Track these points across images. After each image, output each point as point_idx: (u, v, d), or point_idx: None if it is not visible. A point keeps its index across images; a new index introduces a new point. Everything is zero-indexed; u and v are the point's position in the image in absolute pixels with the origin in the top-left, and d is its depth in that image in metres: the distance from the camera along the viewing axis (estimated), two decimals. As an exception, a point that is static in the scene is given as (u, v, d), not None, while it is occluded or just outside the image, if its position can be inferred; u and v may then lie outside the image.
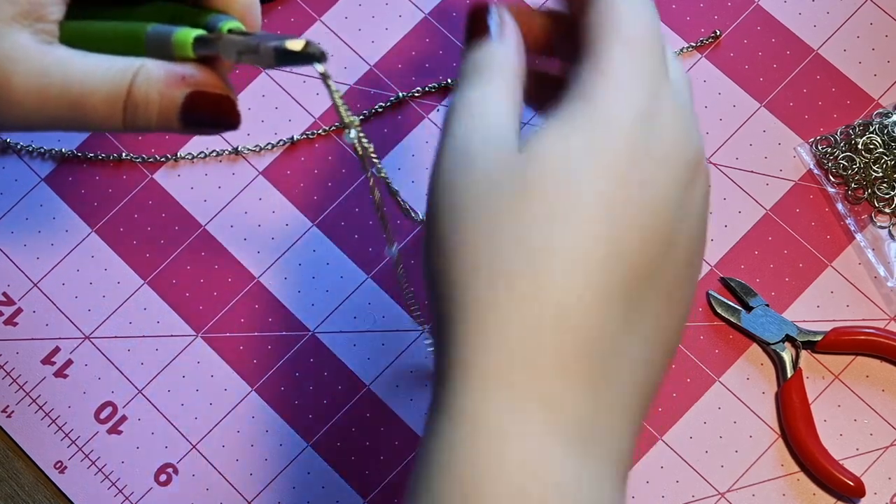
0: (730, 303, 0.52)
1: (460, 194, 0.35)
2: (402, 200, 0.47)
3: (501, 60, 0.37)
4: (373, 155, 0.42)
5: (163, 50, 0.39)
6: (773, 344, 0.52)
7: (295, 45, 0.37)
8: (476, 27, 0.39)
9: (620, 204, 0.34)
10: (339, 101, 0.39)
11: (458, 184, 0.35)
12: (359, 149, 0.40)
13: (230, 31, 0.39)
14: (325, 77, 0.38)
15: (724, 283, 0.53)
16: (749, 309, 0.52)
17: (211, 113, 0.39)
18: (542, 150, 0.34)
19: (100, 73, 0.38)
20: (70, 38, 0.39)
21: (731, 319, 0.52)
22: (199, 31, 0.39)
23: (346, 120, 0.39)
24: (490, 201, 0.34)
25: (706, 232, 0.37)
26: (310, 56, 0.37)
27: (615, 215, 0.34)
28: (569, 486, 0.33)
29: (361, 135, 0.40)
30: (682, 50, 0.55)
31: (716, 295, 0.52)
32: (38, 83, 0.38)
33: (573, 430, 0.33)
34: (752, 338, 0.52)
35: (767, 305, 0.52)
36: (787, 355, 0.51)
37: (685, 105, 0.37)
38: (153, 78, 0.38)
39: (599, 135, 0.34)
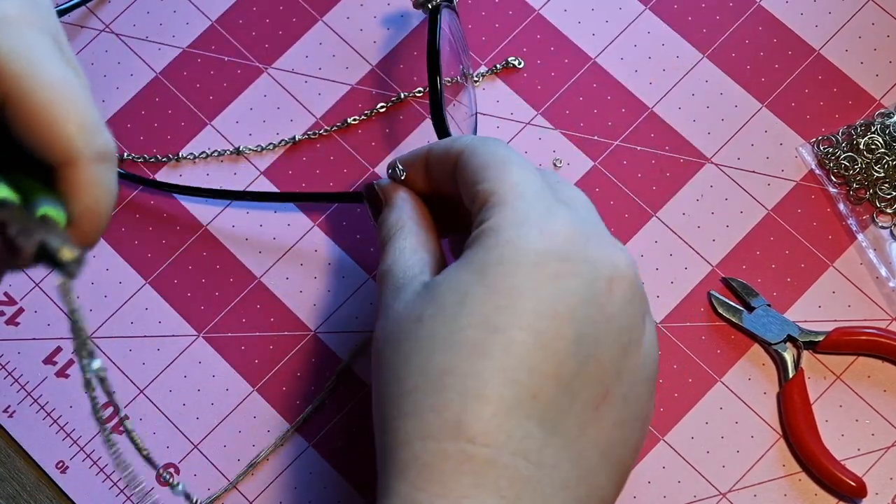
0: (731, 303, 0.52)
1: (384, 323, 0.41)
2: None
3: (397, 221, 0.45)
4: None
5: None
6: (774, 344, 0.51)
7: (64, 254, 0.32)
8: (372, 204, 0.47)
9: (513, 328, 0.38)
10: (77, 317, 0.35)
11: (387, 314, 0.41)
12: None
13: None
14: (64, 289, 0.34)
15: (726, 283, 0.53)
16: (751, 309, 0.52)
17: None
18: (438, 282, 0.40)
19: None
20: None
21: (733, 319, 0.52)
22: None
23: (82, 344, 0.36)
24: (399, 327, 0.40)
25: (633, 338, 0.40)
26: (65, 269, 0.33)
27: (505, 339, 0.38)
28: None
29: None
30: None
31: (717, 295, 0.52)
32: None
33: None
34: (754, 338, 0.52)
35: (769, 306, 0.52)
36: (788, 355, 0.51)
37: (583, 224, 0.41)
38: None
39: (491, 269, 0.39)
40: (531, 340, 0.38)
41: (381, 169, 0.55)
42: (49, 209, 0.33)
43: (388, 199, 0.46)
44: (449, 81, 0.51)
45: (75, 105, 0.33)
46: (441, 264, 0.44)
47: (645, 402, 0.41)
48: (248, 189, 0.55)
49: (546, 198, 0.41)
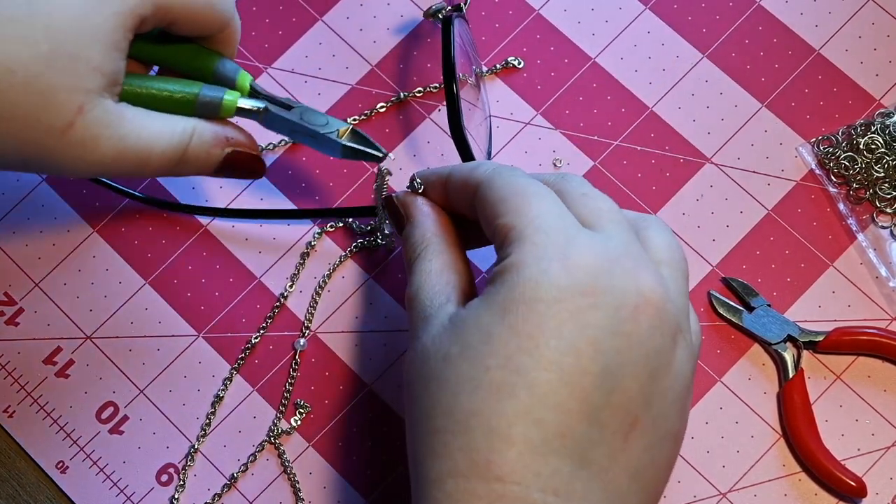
0: (731, 303, 0.52)
1: (412, 356, 0.42)
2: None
3: (421, 240, 0.45)
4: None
5: (210, 111, 0.45)
6: (774, 344, 0.51)
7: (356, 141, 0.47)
8: (393, 217, 0.47)
9: (536, 369, 0.38)
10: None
11: (416, 346, 0.42)
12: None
13: (253, 89, 0.47)
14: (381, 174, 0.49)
15: (726, 283, 0.53)
16: (751, 309, 0.52)
17: (243, 168, 0.47)
18: (463, 318, 0.40)
19: (165, 136, 0.44)
20: (129, 95, 0.44)
21: (733, 319, 0.52)
22: (237, 95, 0.46)
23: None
24: (426, 365, 0.41)
25: (662, 362, 0.40)
26: (372, 156, 0.47)
27: (528, 380, 0.38)
28: None
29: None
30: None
31: (717, 295, 0.52)
32: (117, 145, 0.42)
33: None
34: (754, 338, 0.52)
35: (769, 305, 0.52)
36: (788, 355, 0.51)
37: (606, 250, 0.40)
38: (204, 139, 0.45)
39: (513, 308, 0.39)
40: (555, 379, 0.38)
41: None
42: (244, 75, 0.47)
43: (409, 214, 0.46)
44: (463, 77, 0.51)
45: None
46: (469, 282, 0.44)
47: (675, 421, 0.41)
48: (246, 189, 0.55)
49: (567, 228, 0.40)
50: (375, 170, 0.53)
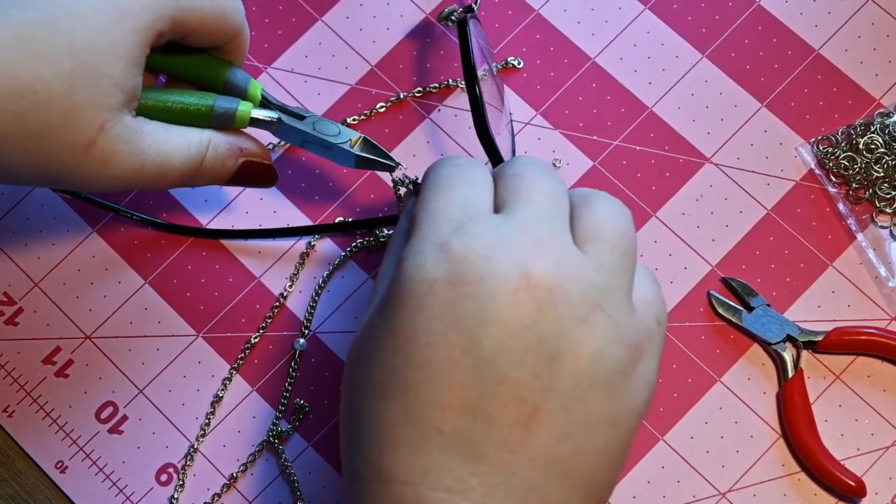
0: (731, 303, 0.52)
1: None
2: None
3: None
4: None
5: (225, 122, 0.46)
6: (774, 344, 0.52)
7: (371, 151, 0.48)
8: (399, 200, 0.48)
9: (408, 367, 0.39)
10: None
11: None
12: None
13: (264, 98, 0.48)
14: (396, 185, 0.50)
15: (725, 283, 0.53)
16: (750, 309, 0.52)
17: (256, 178, 0.48)
18: (362, 325, 0.41)
19: (182, 149, 0.45)
20: (145, 108, 0.44)
21: (733, 319, 0.52)
22: (251, 106, 0.47)
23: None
24: (345, 371, 0.42)
25: (563, 346, 0.38)
26: (386, 166, 0.48)
27: (402, 380, 0.38)
28: None
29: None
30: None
31: (717, 295, 0.52)
32: (137, 160, 0.43)
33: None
34: (754, 338, 0.52)
35: (769, 305, 0.52)
36: (788, 355, 0.51)
37: (491, 236, 0.39)
38: (219, 151, 0.46)
39: (391, 308, 0.40)
40: (426, 376, 0.38)
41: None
42: (255, 84, 0.48)
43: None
44: (483, 74, 0.50)
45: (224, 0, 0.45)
46: None
47: (603, 405, 0.39)
48: (245, 189, 0.55)
49: (461, 215, 0.40)
50: (390, 182, 0.53)
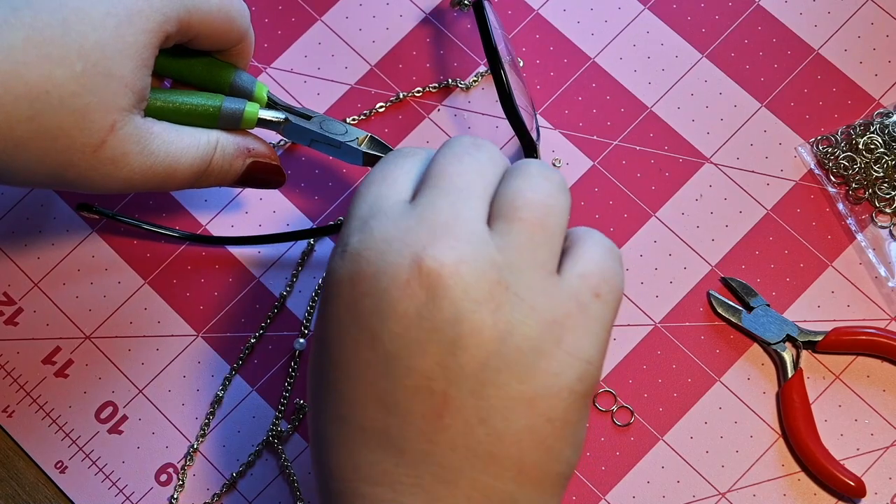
0: (730, 303, 0.52)
1: None
2: None
3: None
4: None
5: (232, 123, 0.46)
6: (773, 344, 0.52)
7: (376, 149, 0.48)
8: None
9: (328, 366, 0.39)
10: None
11: None
12: None
13: (271, 100, 0.48)
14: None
15: (725, 283, 0.53)
16: (750, 309, 0.52)
17: (264, 178, 0.48)
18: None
19: (191, 150, 0.45)
20: (154, 111, 0.45)
21: (732, 319, 0.52)
22: (257, 107, 0.47)
23: None
24: None
25: (463, 330, 0.37)
26: None
27: (326, 379, 0.39)
28: None
29: None
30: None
31: (716, 295, 0.52)
32: (147, 161, 0.44)
33: None
34: (753, 338, 0.52)
35: (768, 305, 0.52)
36: (787, 355, 0.51)
37: (393, 227, 0.38)
38: (227, 151, 0.46)
39: (324, 307, 0.40)
40: (342, 376, 0.38)
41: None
42: (261, 86, 0.48)
43: None
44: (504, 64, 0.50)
45: (230, 3, 0.45)
46: None
47: (516, 387, 0.37)
48: (245, 189, 0.55)
49: (368, 212, 0.39)
50: None
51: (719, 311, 0.52)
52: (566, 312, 0.38)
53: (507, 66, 0.49)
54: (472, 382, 0.37)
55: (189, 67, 0.47)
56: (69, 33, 0.41)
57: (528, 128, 0.49)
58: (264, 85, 0.48)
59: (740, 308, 0.52)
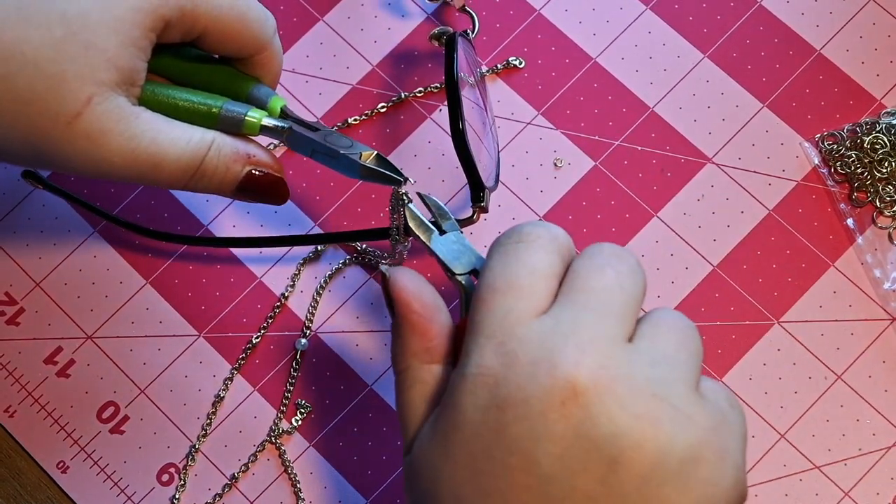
0: (425, 219, 0.46)
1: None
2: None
3: (400, 355, 0.42)
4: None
5: (233, 126, 0.44)
6: (459, 275, 0.44)
7: (377, 163, 0.45)
8: (385, 294, 0.43)
9: (478, 498, 0.38)
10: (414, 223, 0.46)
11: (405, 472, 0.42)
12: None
13: (283, 112, 0.46)
14: (400, 198, 0.46)
15: (421, 197, 0.47)
16: (442, 232, 0.46)
17: (265, 190, 0.45)
18: (416, 456, 0.40)
19: (180, 143, 0.43)
20: (150, 102, 0.44)
21: (422, 238, 0.45)
22: (263, 114, 0.45)
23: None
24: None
25: (624, 444, 0.36)
26: (393, 179, 0.45)
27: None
28: None
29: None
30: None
31: (413, 209, 0.46)
32: (128, 144, 0.42)
33: None
34: (440, 263, 0.45)
35: (461, 232, 0.46)
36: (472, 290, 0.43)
37: (528, 344, 0.37)
38: (223, 153, 0.44)
39: (450, 439, 0.38)
40: (490, 503, 0.37)
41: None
42: (277, 99, 0.46)
43: (394, 311, 0.43)
44: (465, 77, 0.50)
45: (247, 6, 0.44)
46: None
47: (676, 498, 0.37)
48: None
49: (502, 332, 0.38)
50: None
51: (411, 225, 0.46)
52: (718, 420, 0.38)
53: (474, 86, 0.49)
54: (634, 498, 0.37)
55: (208, 74, 0.46)
56: (53, 1, 0.40)
57: (492, 159, 0.49)
58: (282, 99, 0.46)
59: (433, 228, 0.46)
